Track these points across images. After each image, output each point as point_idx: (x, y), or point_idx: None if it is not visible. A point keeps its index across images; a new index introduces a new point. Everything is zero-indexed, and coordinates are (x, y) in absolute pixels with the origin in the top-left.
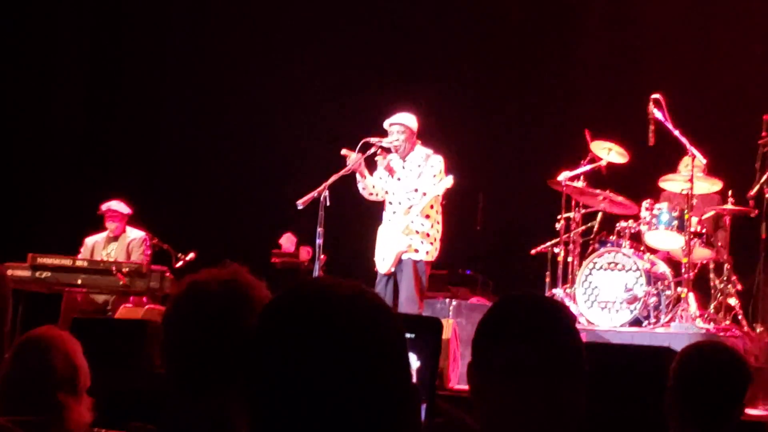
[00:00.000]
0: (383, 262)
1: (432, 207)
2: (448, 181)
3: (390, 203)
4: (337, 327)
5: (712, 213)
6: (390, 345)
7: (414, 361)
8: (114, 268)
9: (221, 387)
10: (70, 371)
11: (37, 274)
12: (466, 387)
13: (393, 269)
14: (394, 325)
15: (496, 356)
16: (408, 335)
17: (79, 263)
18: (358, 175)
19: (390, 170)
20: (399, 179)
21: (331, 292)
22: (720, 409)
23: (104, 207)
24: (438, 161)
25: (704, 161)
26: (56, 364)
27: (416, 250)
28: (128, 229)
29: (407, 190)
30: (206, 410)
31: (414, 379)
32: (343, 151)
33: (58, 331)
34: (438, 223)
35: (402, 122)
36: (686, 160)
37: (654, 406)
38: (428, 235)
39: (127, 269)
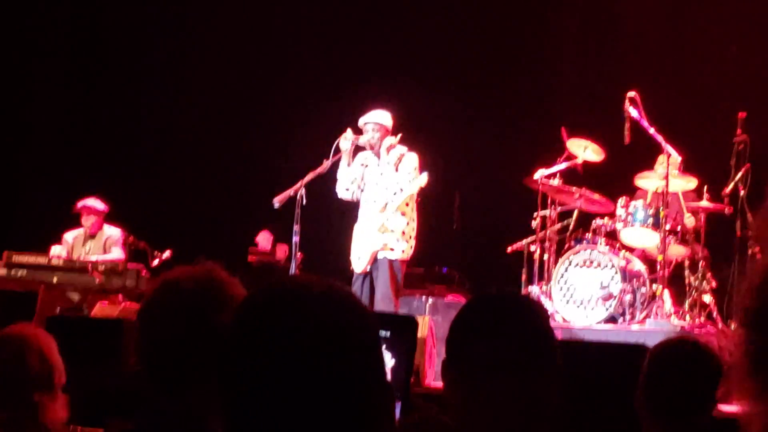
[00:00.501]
0: (359, 260)
1: (407, 205)
2: (423, 178)
3: (365, 202)
4: (310, 325)
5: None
6: (363, 343)
7: (389, 360)
8: (90, 267)
9: (196, 384)
10: (45, 369)
11: (13, 272)
12: (442, 384)
13: (369, 268)
14: (367, 324)
15: (470, 353)
16: (383, 333)
17: (54, 262)
18: (342, 163)
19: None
20: (372, 174)
21: (305, 290)
22: (691, 405)
23: (80, 204)
24: (413, 159)
25: (679, 159)
26: (31, 362)
27: (392, 249)
28: (105, 226)
29: (382, 188)
30: (182, 408)
31: (389, 378)
32: (345, 137)
33: (33, 329)
34: (413, 221)
35: (377, 120)
36: (662, 158)
37: (628, 403)
38: (404, 233)
39: (102, 267)
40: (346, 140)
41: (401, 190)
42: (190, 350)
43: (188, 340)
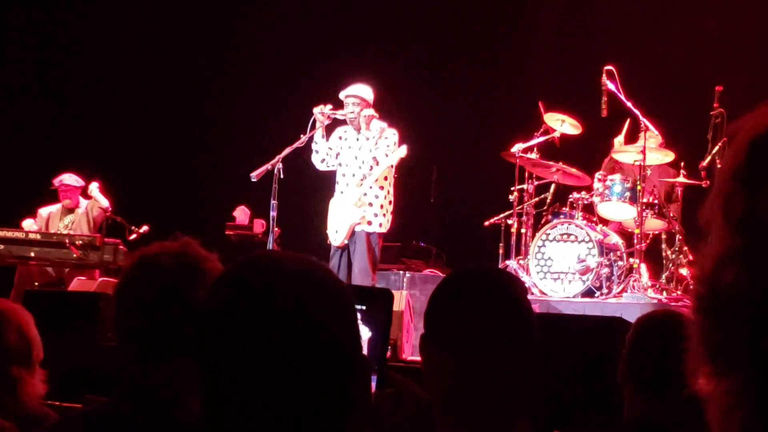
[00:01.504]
0: (336, 234)
1: (386, 179)
2: (402, 151)
3: (343, 175)
4: (286, 299)
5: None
6: (339, 317)
7: (366, 332)
8: (67, 241)
9: (173, 360)
10: (23, 344)
11: None
12: (419, 358)
13: (346, 241)
14: (343, 297)
15: (447, 327)
16: (359, 307)
17: (32, 236)
18: (317, 134)
19: (328, 118)
20: (350, 147)
21: (281, 264)
22: (675, 378)
23: (57, 182)
24: (392, 134)
25: (660, 139)
26: (9, 337)
27: (369, 222)
28: (82, 201)
29: (360, 161)
30: (159, 383)
31: (365, 350)
32: (317, 110)
33: (10, 304)
34: (390, 194)
35: (358, 94)
36: (647, 134)
37: (607, 376)
38: (381, 206)
39: (80, 242)
40: (322, 115)
41: (378, 163)
42: (167, 326)
43: (165, 316)
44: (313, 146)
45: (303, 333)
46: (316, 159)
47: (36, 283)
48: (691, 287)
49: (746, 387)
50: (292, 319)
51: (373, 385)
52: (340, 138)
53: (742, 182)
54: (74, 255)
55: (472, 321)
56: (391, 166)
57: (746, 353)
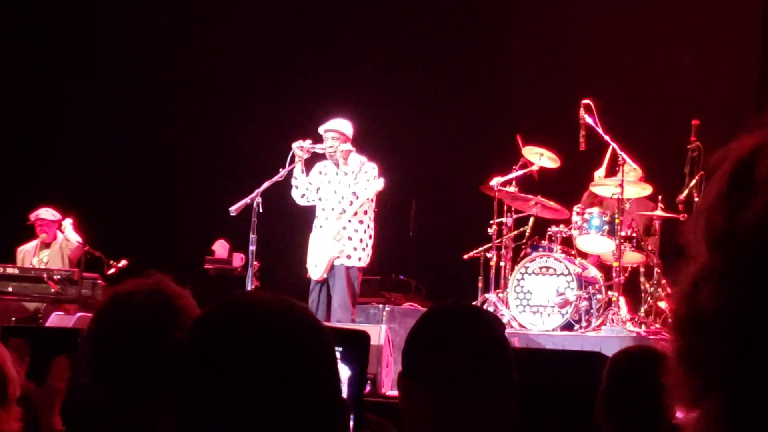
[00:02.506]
0: (315, 268)
1: (365, 213)
2: (379, 183)
3: (323, 209)
4: (267, 342)
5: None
6: (319, 359)
7: (344, 372)
8: (45, 276)
9: (149, 398)
10: (1, 381)
11: None
12: (398, 393)
13: (325, 275)
14: (323, 340)
15: (424, 365)
16: (337, 348)
17: (10, 270)
18: (296, 169)
19: (307, 152)
20: (330, 182)
21: (261, 306)
22: (650, 414)
23: (33, 217)
24: (371, 168)
25: (640, 171)
26: None
27: (348, 256)
28: (59, 234)
29: (340, 196)
30: (134, 422)
31: (344, 390)
32: (296, 144)
33: None
34: (370, 228)
35: (336, 128)
36: (626, 168)
37: (586, 412)
38: (361, 240)
39: (58, 277)
40: (301, 149)
41: (357, 197)
42: (141, 364)
43: (139, 354)
44: (293, 181)
45: (283, 376)
46: (296, 194)
47: (13, 318)
48: (670, 308)
49: (724, 407)
50: (272, 362)
51: (351, 425)
52: (320, 173)
53: (724, 200)
54: (52, 290)
55: (449, 359)
56: (370, 199)
57: (724, 372)
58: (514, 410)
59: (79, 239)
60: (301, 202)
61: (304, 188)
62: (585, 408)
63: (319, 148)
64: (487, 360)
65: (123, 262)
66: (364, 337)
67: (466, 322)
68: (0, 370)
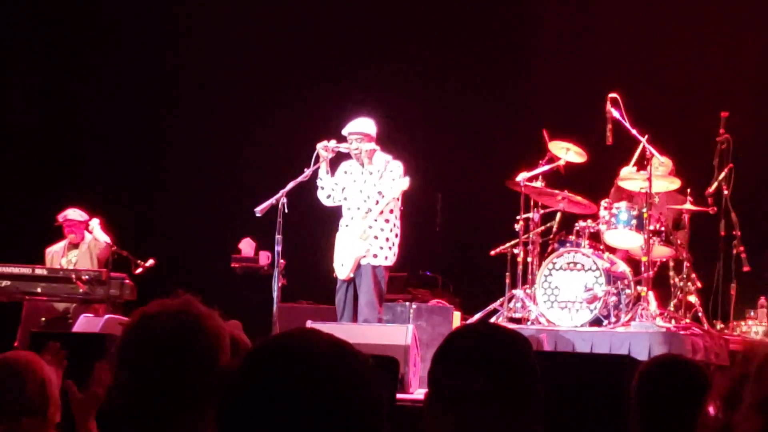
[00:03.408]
0: (342, 267)
1: (391, 212)
2: (405, 182)
3: (348, 209)
4: (316, 385)
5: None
6: (367, 405)
7: None
8: (74, 276)
9: (176, 417)
10: (42, 401)
11: None
12: (426, 391)
13: (352, 275)
14: (372, 385)
15: (451, 386)
16: None
17: (38, 272)
18: (321, 170)
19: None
20: (355, 181)
21: (315, 347)
22: (685, 423)
23: (61, 218)
24: (397, 166)
25: (669, 163)
26: (29, 393)
27: (375, 255)
28: (87, 234)
29: (366, 195)
30: None
31: None
32: (320, 145)
33: (36, 358)
34: (397, 227)
35: (360, 130)
36: (654, 161)
37: (616, 416)
38: (387, 239)
39: (86, 277)
40: (325, 150)
41: (383, 196)
42: (169, 386)
43: (167, 376)
44: (318, 182)
45: (330, 416)
46: (321, 195)
47: (43, 319)
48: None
49: None
50: (320, 403)
51: None
52: (345, 172)
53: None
54: (80, 290)
55: (476, 379)
56: (395, 198)
57: None
58: (542, 429)
59: (107, 239)
60: (327, 202)
61: (329, 189)
62: (615, 412)
63: (343, 148)
64: (515, 380)
65: (150, 262)
66: (393, 363)
67: (492, 342)
68: (42, 390)
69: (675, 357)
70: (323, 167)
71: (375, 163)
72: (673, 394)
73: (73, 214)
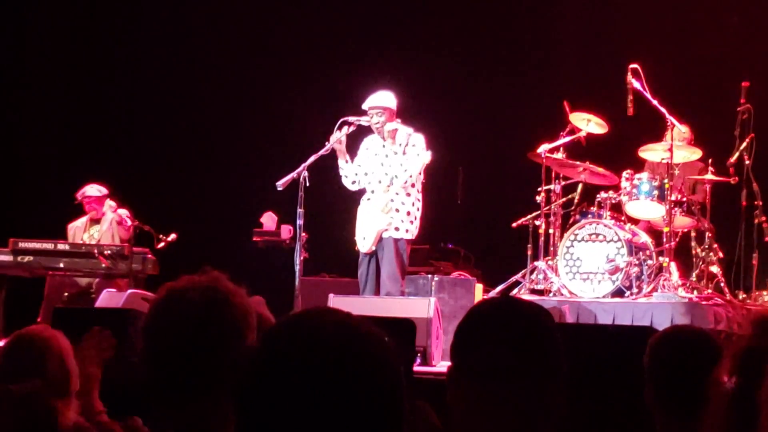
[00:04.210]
0: (364, 241)
1: (413, 185)
2: (426, 156)
3: (369, 183)
4: (336, 363)
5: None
6: (386, 386)
7: None
8: (96, 251)
9: (203, 394)
10: (63, 375)
11: (19, 258)
12: (448, 363)
13: (374, 248)
14: (392, 368)
15: (474, 360)
16: None
17: (60, 247)
18: (340, 160)
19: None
20: (377, 155)
21: (334, 326)
22: (699, 395)
23: (79, 195)
24: (419, 140)
25: (687, 133)
26: (50, 367)
27: (396, 228)
28: (110, 212)
29: (387, 168)
30: (190, 418)
31: None
32: (333, 138)
33: (53, 332)
34: (418, 200)
35: (381, 104)
36: (675, 131)
37: (639, 388)
38: (408, 213)
39: (108, 252)
40: (339, 141)
41: (405, 170)
42: (196, 361)
43: (195, 352)
44: (340, 172)
45: (348, 395)
46: (346, 182)
47: (66, 294)
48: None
49: None
50: (336, 384)
51: None
52: (367, 149)
53: None
54: (103, 265)
55: (499, 353)
56: (418, 172)
57: None
58: (564, 403)
59: (127, 218)
60: (353, 187)
61: (353, 175)
62: (638, 383)
63: (364, 121)
64: (537, 353)
65: (172, 236)
66: (410, 326)
67: (514, 316)
68: (62, 363)
69: (683, 327)
70: (341, 160)
71: (397, 137)
72: (683, 364)
73: (91, 190)
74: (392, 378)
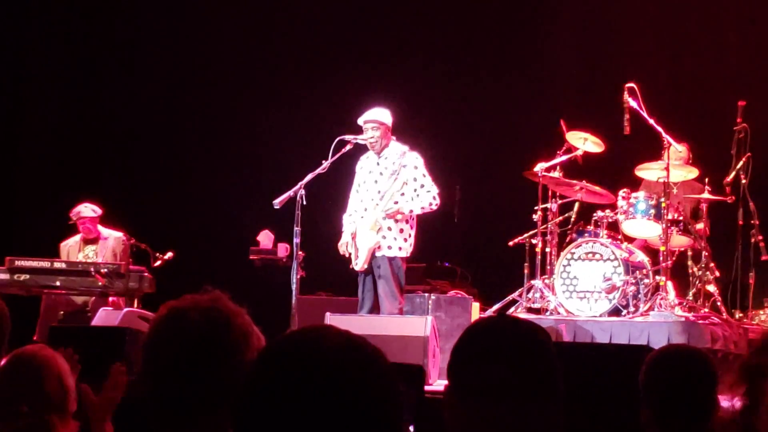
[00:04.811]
0: (356, 260)
1: (410, 196)
2: (427, 200)
3: (361, 201)
4: (332, 383)
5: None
6: (384, 405)
7: None
8: (92, 269)
9: (203, 414)
10: (61, 395)
11: (15, 277)
12: (445, 382)
13: (366, 266)
14: (390, 387)
15: (471, 379)
16: None
17: (57, 265)
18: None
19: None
20: (371, 172)
21: (331, 345)
22: (695, 413)
23: (73, 215)
24: (415, 158)
25: (684, 152)
26: (48, 387)
27: (389, 247)
28: (102, 229)
29: (380, 186)
30: None
31: None
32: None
33: (51, 351)
34: (412, 218)
35: (376, 119)
36: (672, 150)
37: (635, 407)
38: (401, 231)
39: (105, 270)
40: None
41: (411, 199)
42: (196, 382)
43: (195, 372)
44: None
45: (346, 414)
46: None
47: (61, 312)
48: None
49: None
50: (336, 400)
51: None
52: (362, 168)
53: None
54: (99, 283)
55: (496, 372)
56: (411, 210)
57: None
58: (561, 422)
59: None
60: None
61: (352, 209)
62: (634, 402)
63: (361, 140)
64: (534, 372)
65: (169, 254)
66: (419, 372)
67: (511, 335)
68: (60, 383)
69: (679, 346)
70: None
71: (391, 153)
72: (679, 383)
73: (86, 210)
74: (390, 396)
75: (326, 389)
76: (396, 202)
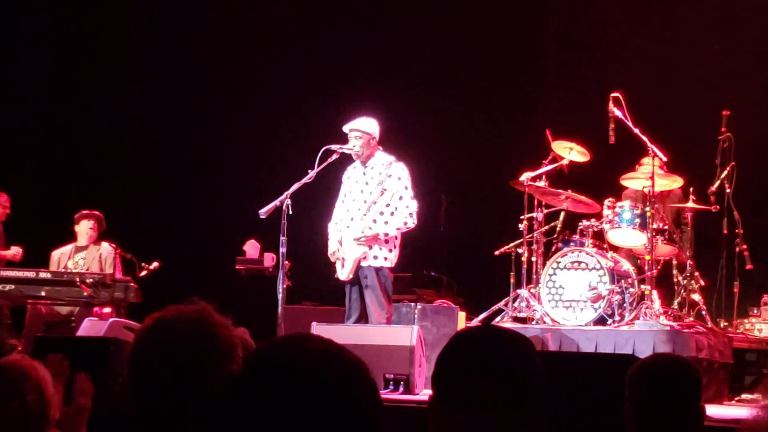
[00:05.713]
0: (342, 270)
1: (392, 214)
2: (404, 221)
3: (347, 210)
4: (316, 392)
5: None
6: (367, 413)
7: None
8: (78, 279)
9: (188, 425)
10: (41, 404)
11: (1, 287)
12: (430, 392)
13: (351, 276)
14: (372, 395)
15: (455, 390)
16: None
17: (42, 275)
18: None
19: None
20: (357, 182)
21: (314, 354)
22: (680, 423)
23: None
24: (401, 169)
25: (664, 159)
26: (28, 398)
27: (375, 257)
28: (103, 244)
29: (366, 196)
30: None
31: None
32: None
33: (31, 362)
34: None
35: (361, 128)
36: (647, 159)
37: (620, 416)
38: (387, 241)
39: (90, 280)
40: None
41: (385, 222)
42: (181, 393)
43: (180, 383)
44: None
45: (327, 424)
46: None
47: (46, 322)
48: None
49: None
50: (320, 410)
51: None
52: (348, 178)
53: None
54: (85, 293)
55: (481, 383)
56: (386, 233)
57: None
58: (547, 430)
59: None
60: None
61: (338, 218)
62: (620, 411)
63: (346, 149)
64: (518, 382)
65: (155, 264)
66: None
67: (496, 345)
68: (41, 393)
69: (664, 355)
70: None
71: (377, 163)
72: (664, 392)
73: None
74: (370, 404)
75: (304, 397)
76: (381, 213)
